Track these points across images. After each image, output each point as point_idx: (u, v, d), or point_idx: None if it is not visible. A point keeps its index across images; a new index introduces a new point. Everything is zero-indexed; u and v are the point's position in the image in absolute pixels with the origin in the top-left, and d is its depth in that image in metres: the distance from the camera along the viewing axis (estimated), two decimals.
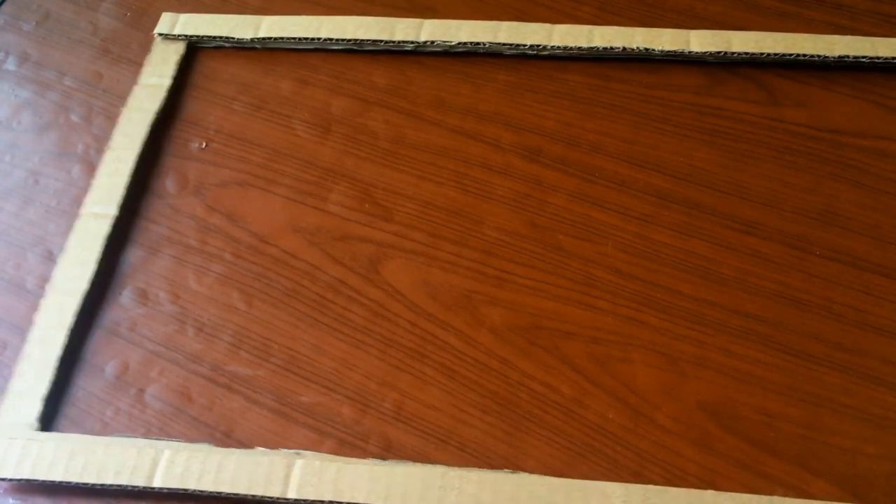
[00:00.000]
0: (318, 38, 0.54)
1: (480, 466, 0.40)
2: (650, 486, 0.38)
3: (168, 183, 0.51)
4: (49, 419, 0.42)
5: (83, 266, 0.46)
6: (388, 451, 0.41)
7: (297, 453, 0.40)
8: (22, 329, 0.46)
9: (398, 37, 0.53)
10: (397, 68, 0.53)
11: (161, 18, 0.56)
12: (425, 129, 0.51)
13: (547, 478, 0.38)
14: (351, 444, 0.41)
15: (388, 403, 0.42)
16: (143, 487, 0.39)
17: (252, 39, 0.54)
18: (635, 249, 0.45)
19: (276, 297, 0.46)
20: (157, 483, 0.39)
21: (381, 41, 0.53)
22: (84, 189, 0.51)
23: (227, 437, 0.42)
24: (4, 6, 0.60)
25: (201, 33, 0.55)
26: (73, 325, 0.44)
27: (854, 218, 0.45)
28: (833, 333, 0.42)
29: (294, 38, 0.54)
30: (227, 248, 0.48)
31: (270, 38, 0.54)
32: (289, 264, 0.47)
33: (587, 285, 0.44)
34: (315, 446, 0.41)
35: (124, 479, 0.39)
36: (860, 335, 0.41)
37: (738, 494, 0.37)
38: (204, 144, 0.52)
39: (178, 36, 0.55)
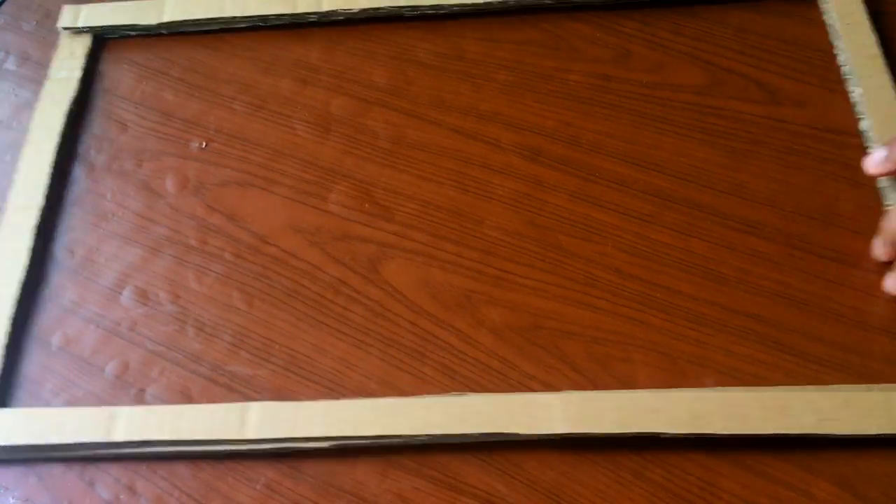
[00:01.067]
0: (223, 18, 0.54)
1: (481, 467, 0.40)
2: (586, 392, 0.40)
3: (168, 183, 0.51)
4: None
5: (14, 258, 0.46)
6: (388, 451, 0.41)
7: (251, 402, 0.41)
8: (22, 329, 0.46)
9: (300, 9, 0.54)
10: (397, 68, 0.53)
11: (63, 12, 0.56)
12: (425, 129, 0.51)
13: (485, 395, 0.40)
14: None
15: None
16: (105, 442, 0.40)
17: (158, 25, 0.55)
18: (635, 249, 0.45)
19: (276, 297, 0.46)
20: (118, 437, 0.40)
21: (285, 15, 0.54)
22: (85, 189, 0.51)
23: None
24: (4, 6, 0.60)
25: (105, 23, 0.55)
26: (10, 331, 0.45)
27: (854, 218, 0.45)
28: (833, 333, 0.42)
29: (199, 20, 0.54)
30: (227, 248, 0.48)
31: (175, 22, 0.55)
32: (289, 264, 0.47)
33: (587, 285, 0.44)
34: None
35: (85, 437, 0.40)
36: (860, 335, 0.41)
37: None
38: (204, 144, 0.52)
39: (83, 28, 0.55)
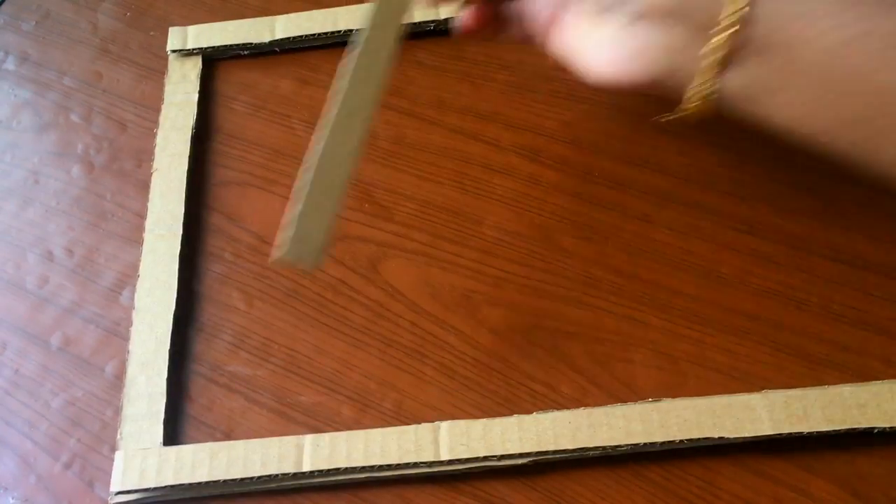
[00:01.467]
0: (338, 32, 0.53)
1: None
2: (788, 391, 0.39)
3: None
4: None
5: (165, 289, 0.45)
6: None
7: (439, 423, 0.40)
8: (22, 329, 0.46)
9: (418, 18, 0.52)
10: (397, 68, 0.53)
11: (170, 34, 0.54)
12: (425, 129, 0.51)
13: (694, 399, 0.39)
14: None
15: (389, 403, 0.42)
16: (294, 473, 0.39)
17: (270, 42, 0.53)
18: (635, 249, 0.45)
19: (276, 297, 0.46)
20: (307, 467, 0.39)
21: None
22: (85, 189, 0.51)
23: (228, 437, 0.42)
24: (4, 6, 0.60)
25: (215, 44, 0.53)
26: (169, 353, 0.43)
27: (854, 218, 0.45)
28: (833, 333, 0.42)
29: (312, 35, 0.53)
30: (227, 248, 0.48)
31: (288, 39, 0.53)
32: None
33: (587, 285, 0.44)
34: None
35: (273, 469, 0.39)
36: (860, 335, 0.42)
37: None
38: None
39: (193, 50, 0.53)
